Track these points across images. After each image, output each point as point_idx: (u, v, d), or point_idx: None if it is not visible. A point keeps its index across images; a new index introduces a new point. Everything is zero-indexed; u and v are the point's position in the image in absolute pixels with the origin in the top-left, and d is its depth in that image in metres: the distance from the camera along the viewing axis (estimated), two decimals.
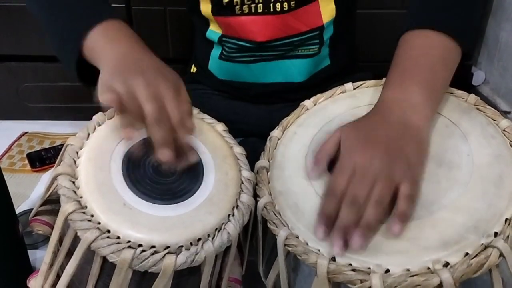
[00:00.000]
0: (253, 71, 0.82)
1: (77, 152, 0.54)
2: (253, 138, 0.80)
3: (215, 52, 0.83)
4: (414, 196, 0.50)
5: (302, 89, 0.82)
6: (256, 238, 0.61)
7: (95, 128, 0.57)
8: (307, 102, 0.66)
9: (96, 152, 0.54)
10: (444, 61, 0.59)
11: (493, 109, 0.58)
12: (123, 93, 0.52)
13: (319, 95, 0.67)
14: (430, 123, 0.56)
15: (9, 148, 1.23)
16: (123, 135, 0.55)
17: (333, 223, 0.50)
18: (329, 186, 0.52)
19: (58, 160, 0.56)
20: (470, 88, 1.33)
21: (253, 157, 0.62)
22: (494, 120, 0.57)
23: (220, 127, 0.64)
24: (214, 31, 0.81)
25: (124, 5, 1.16)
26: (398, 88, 0.57)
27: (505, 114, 1.20)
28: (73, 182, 0.51)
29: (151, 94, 0.52)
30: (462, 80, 1.35)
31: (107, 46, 0.59)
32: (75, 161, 0.53)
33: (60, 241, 0.53)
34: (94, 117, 0.58)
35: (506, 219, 0.47)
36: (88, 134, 0.56)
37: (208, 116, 0.64)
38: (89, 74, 0.61)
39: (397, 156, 0.51)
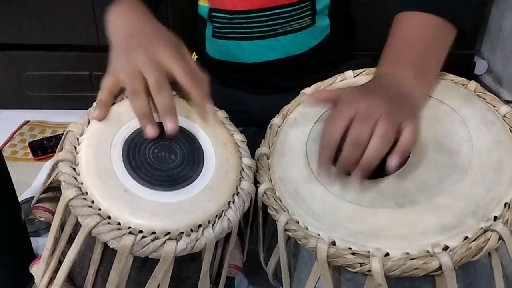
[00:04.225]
0: (244, 49, 0.81)
1: (78, 139, 0.54)
2: (253, 128, 0.80)
3: (209, 31, 0.83)
4: (416, 137, 0.50)
5: (299, 65, 0.81)
6: (256, 225, 0.61)
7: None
8: (307, 90, 0.66)
9: (96, 138, 0.54)
10: (436, 41, 0.60)
11: (493, 95, 0.58)
12: (126, 74, 0.55)
13: (319, 83, 0.67)
14: (423, 100, 0.57)
15: (11, 137, 1.23)
16: (148, 133, 0.54)
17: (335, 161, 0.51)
18: (328, 123, 0.52)
19: (58, 147, 0.56)
20: (472, 77, 1.31)
21: (253, 145, 0.63)
22: (494, 106, 0.57)
23: (221, 113, 0.64)
24: (203, 5, 0.80)
25: None
26: (390, 66, 0.59)
27: (507, 103, 1.20)
28: (74, 169, 0.52)
29: (152, 63, 0.54)
30: (464, 69, 1.35)
31: (115, 20, 0.63)
32: (75, 148, 0.53)
33: (62, 227, 0.54)
34: (94, 103, 0.58)
35: (506, 203, 0.47)
36: (89, 121, 0.56)
37: None
38: None
39: (397, 104, 0.52)
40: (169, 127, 0.54)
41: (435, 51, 0.60)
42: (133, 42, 0.58)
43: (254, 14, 0.76)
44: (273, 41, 0.79)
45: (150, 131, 0.54)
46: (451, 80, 0.61)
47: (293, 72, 0.82)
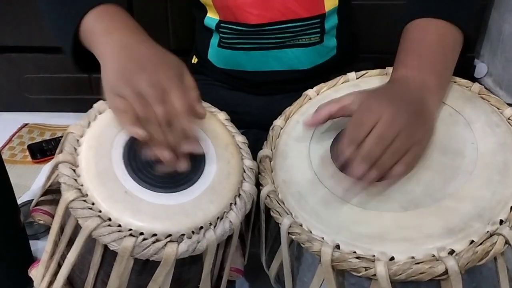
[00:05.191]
0: (252, 59, 0.81)
1: (78, 140, 0.54)
2: (254, 130, 0.80)
3: (214, 40, 0.83)
4: (410, 168, 0.52)
5: (303, 78, 0.81)
6: (258, 228, 0.60)
7: (95, 116, 0.56)
8: (310, 92, 0.66)
9: (97, 140, 0.54)
10: (453, 52, 0.60)
11: (497, 98, 0.58)
12: (131, 97, 0.51)
13: (322, 85, 0.67)
14: (437, 110, 0.57)
15: (10, 140, 1.22)
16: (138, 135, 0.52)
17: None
18: (356, 118, 0.52)
19: (58, 148, 0.55)
20: (472, 80, 1.32)
21: (254, 148, 0.62)
22: (498, 109, 0.56)
23: (222, 115, 0.63)
24: (211, 17, 0.80)
25: None
26: (415, 70, 0.57)
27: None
28: (74, 170, 0.51)
29: (157, 92, 0.51)
30: (464, 72, 1.34)
31: (104, 35, 0.57)
32: (75, 149, 0.53)
33: (61, 230, 0.53)
34: (94, 105, 0.57)
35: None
36: (89, 122, 0.55)
37: (210, 105, 0.64)
38: (86, 59, 0.60)
39: (417, 124, 0.52)
40: (183, 167, 0.52)
41: (452, 62, 0.60)
42: (131, 60, 0.54)
43: (264, 28, 0.77)
44: (280, 53, 0.80)
45: (167, 157, 0.51)
46: (455, 82, 0.61)
47: (295, 82, 0.82)
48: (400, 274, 0.44)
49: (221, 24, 0.79)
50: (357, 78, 0.66)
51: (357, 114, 0.52)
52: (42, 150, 1.17)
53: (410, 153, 0.51)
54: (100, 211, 0.48)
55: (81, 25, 0.58)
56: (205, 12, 0.81)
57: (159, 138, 0.51)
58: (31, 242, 0.81)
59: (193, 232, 0.50)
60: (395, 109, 0.51)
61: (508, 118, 0.55)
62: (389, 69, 0.62)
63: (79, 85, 1.27)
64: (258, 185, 0.57)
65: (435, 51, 0.59)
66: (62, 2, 0.62)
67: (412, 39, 0.61)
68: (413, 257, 0.45)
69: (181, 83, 0.53)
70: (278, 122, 0.63)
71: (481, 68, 1.32)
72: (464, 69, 1.33)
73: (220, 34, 0.80)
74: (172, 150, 0.52)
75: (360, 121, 0.51)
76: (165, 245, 0.48)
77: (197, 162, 0.55)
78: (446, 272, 0.43)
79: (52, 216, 0.56)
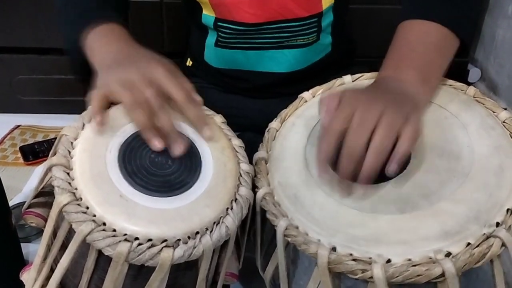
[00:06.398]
0: (250, 58, 0.81)
1: (72, 143, 0.53)
2: (249, 133, 0.80)
3: (211, 39, 0.82)
4: (414, 142, 0.50)
5: (298, 79, 0.81)
6: (253, 232, 0.60)
7: (90, 118, 0.55)
8: (306, 94, 0.66)
9: (91, 142, 0.53)
10: (439, 49, 0.61)
11: (492, 101, 0.58)
12: (120, 86, 0.53)
13: (317, 87, 0.66)
14: (425, 103, 0.57)
15: (2, 141, 1.22)
16: (155, 146, 0.54)
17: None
18: (325, 128, 0.52)
19: (52, 151, 0.54)
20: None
21: (250, 151, 0.62)
22: (493, 112, 0.57)
23: (219, 118, 0.63)
24: (208, 15, 0.80)
25: None
26: (393, 71, 0.59)
27: None
28: (68, 173, 0.50)
29: (147, 79, 0.53)
30: (458, 77, 1.35)
31: (100, 47, 0.61)
32: (69, 152, 0.52)
33: (54, 233, 0.52)
34: (88, 107, 0.57)
35: (508, 209, 0.47)
36: (83, 125, 0.55)
37: (206, 108, 0.63)
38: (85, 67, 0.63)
39: (398, 104, 0.52)
40: (178, 150, 0.54)
41: (438, 58, 0.60)
42: (125, 59, 0.57)
43: (262, 27, 0.76)
44: (278, 53, 0.79)
45: (158, 145, 0.53)
46: (450, 85, 0.61)
47: (292, 83, 0.82)
48: (397, 276, 0.44)
49: (218, 23, 0.79)
50: (353, 81, 0.66)
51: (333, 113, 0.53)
52: (35, 152, 1.16)
53: (407, 128, 0.49)
54: (94, 215, 0.48)
55: (86, 40, 0.63)
56: (200, 10, 0.80)
57: (147, 123, 0.53)
58: (22, 245, 0.80)
59: (189, 237, 0.49)
60: (371, 98, 0.52)
61: (503, 121, 0.55)
62: None
63: (72, 87, 1.27)
64: (253, 187, 0.57)
65: (413, 49, 0.60)
66: (74, 6, 0.68)
67: (395, 41, 0.62)
68: (410, 260, 0.45)
69: (173, 75, 0.55)
70: (274, 124, 0.63)
71: (474, 73, 1.33)
72: (458, 73, 1.33)
73: (218, 33, 0.80)
74: (163, 136, 0.54)
75: (332, 120, 0.51)
76: (160, 250, 0.47)
77: (193, 165, 0.55)
78: (443, 274, 0.43)
79: (44, 219, 0.55)
